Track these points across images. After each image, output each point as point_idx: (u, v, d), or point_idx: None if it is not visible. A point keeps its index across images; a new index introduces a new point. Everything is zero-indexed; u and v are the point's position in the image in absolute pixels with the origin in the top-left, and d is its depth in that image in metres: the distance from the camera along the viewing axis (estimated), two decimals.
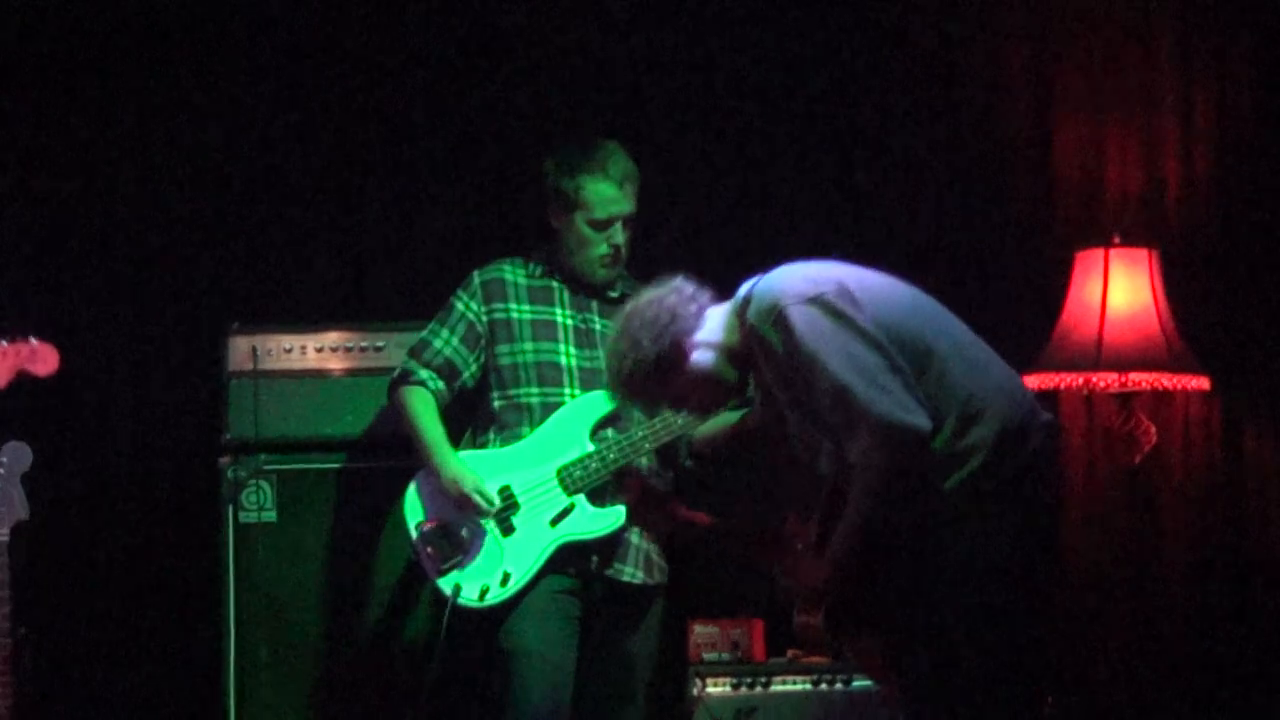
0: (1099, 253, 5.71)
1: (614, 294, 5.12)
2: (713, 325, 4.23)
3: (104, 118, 5.96)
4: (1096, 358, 5.60)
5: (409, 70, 6.06)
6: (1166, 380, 5.66)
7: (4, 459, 4.69)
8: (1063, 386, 5.68)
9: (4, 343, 4.62)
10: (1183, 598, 5.94)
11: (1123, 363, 5.61)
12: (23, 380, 4.69)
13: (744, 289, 4.22)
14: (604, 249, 5.04)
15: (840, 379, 3.97)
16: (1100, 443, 5.96)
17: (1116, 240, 5.73)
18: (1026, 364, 5.60)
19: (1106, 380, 5.64)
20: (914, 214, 6.07)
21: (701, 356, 4.21)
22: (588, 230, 5.03)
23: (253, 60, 6.01)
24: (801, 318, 4.03)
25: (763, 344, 4.09)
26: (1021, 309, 5.87)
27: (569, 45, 6.07)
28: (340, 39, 6.05)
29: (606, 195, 5.00)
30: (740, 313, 4.18)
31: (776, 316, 4.06)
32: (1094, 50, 6.08)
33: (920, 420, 3.96)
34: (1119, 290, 5.65)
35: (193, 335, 5.84)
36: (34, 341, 4.67)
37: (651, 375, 4.19)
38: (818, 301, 4.05)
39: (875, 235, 5.96)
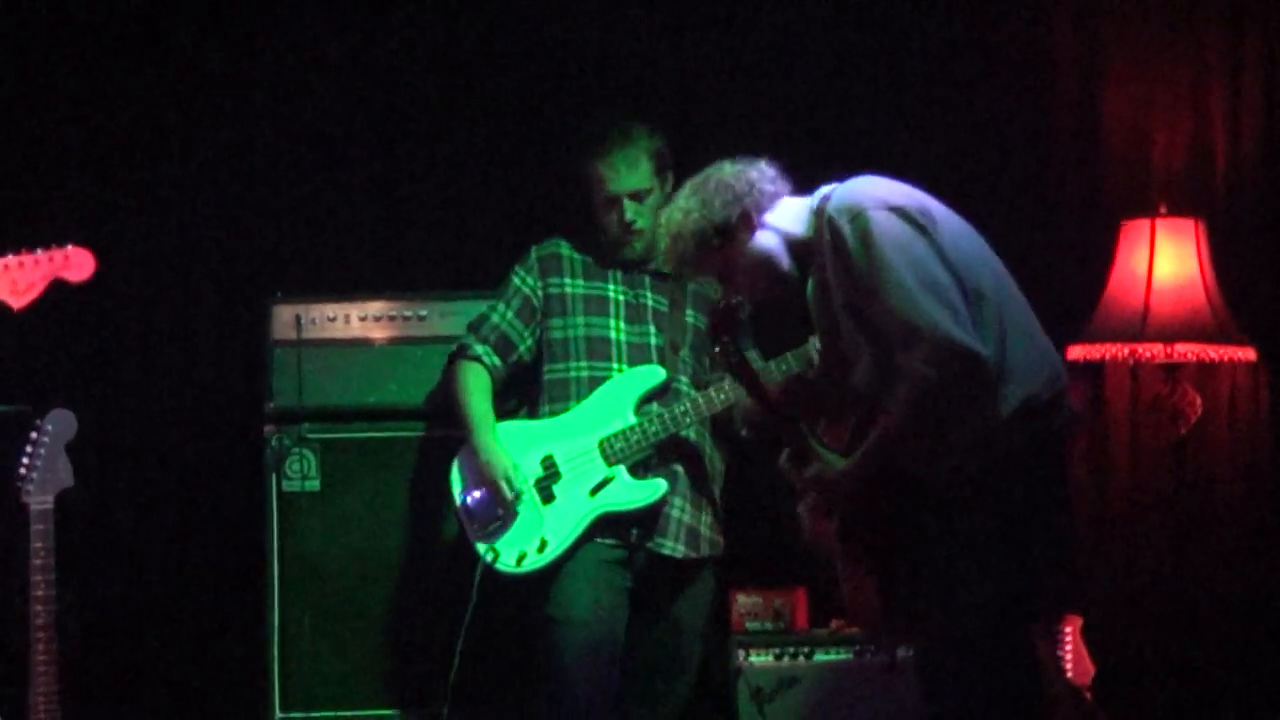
0: (1145, 223, 5.68)
1: (666, 270, 5.10)
2: (785, 213, 4.27)
3: (146, 88, 5.97)
4: (1142, 328, 5.58)
5: (454, 37, 6.04)
6: (1212, 351, 5.64)
7: (49, 427, 4.69)
8: (1108, 357, 5.68)
9: (39, 251, 4.56)
10: (1229, 569, 5.90)
11: (1168, 334, 5.59)
12: (58, 289, 4.60)
13: (823, 189, 4.24)
14: (616, 227, 5.09)
15: (909, 287, 4.00)
16: (1145, 414, 5.93)
17: (1163, 210, 5.70)
18: (1072, 334, 5.59)
19: (1152, 351, 5.62)
20: (960, 183, 5.99)
21: (765, 238, 4.26)
22: (601, 209, 5.10)
23: (298, 28, 6.00)
24: (884, 221, 4.07)
25: (837, 239, 4.10)
26: (1067, 279, 5.84)
27: (616, 16, 6.05)
28: (385, 6, 6.03)
29: (606, 175, 5.06)
30: (818, 209, 4.20)
31: (857, 214, 4.09)
32: (1141, 19, 6.04)
33: (980, 348, 4.00)
34: (1165, 261, 5.63)
35: (237, 304, 5.84)
36: (69, 247, 4.59)
37: (711, 240, 4.24)
38: (901, 211, 4.10)
39: None
